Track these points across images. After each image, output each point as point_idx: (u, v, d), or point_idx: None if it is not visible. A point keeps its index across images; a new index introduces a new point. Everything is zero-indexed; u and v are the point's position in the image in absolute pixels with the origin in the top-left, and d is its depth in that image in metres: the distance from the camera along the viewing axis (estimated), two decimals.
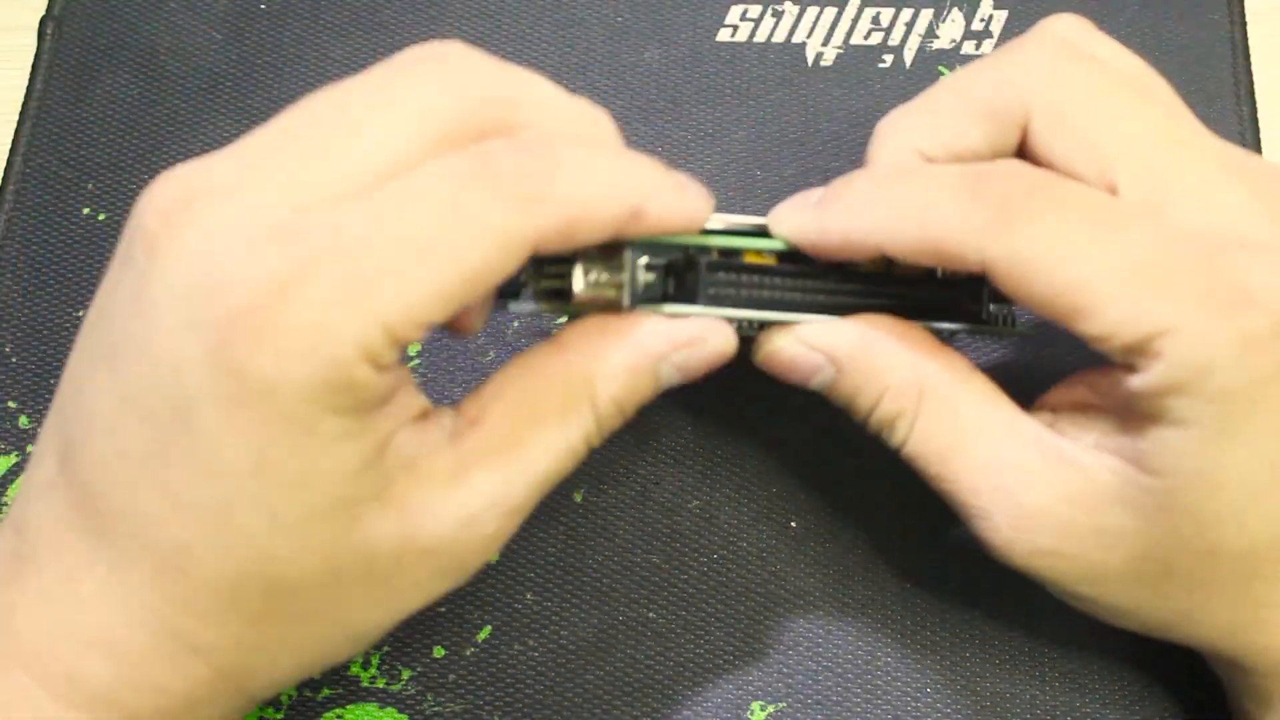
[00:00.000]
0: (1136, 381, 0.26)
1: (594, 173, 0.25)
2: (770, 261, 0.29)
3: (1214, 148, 0.29)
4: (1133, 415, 0.27)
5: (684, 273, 0.28)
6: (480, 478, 0.26)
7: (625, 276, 0.27)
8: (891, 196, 0.28)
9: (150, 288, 0.24)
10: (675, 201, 0.27)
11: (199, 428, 0.24)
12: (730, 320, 0.29)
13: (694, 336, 0.28)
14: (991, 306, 0.30)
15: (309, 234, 0.23)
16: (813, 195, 0.29)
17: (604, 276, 0.27)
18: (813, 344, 0.29)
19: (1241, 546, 0.27)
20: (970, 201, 0.27)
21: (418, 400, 0.27)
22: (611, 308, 0.28)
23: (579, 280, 0.27)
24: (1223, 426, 0.26)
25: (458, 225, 0.24)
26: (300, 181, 0.24)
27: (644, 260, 0.27)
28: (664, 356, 0.28)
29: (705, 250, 0.28)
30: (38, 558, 0.25)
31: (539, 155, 0.25)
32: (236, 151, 0.25)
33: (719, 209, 0.28)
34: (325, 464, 0.24)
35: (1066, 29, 0.30)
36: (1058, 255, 0.26)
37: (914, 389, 0.29)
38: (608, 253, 0.28)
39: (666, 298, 0.28)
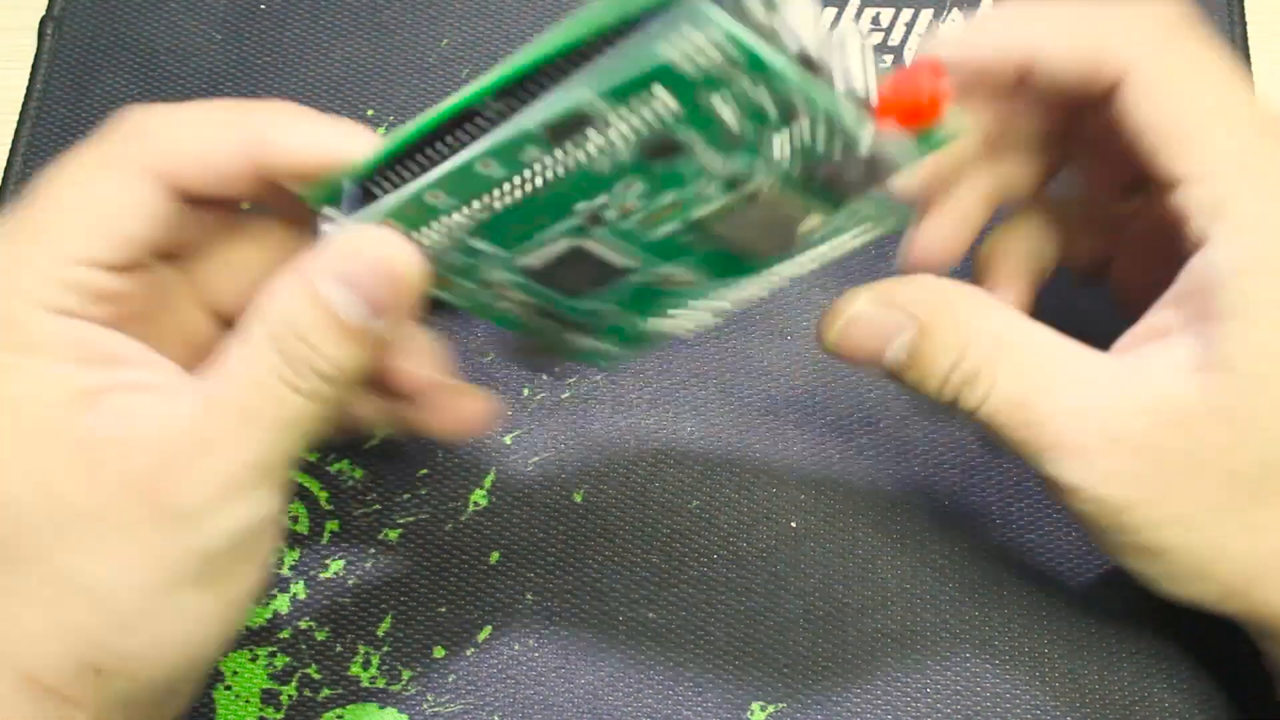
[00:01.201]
0: (1210, 255, 0.27)
1: (210, 111, 0.28)
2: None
3: None
4: (1207, 320, 0.27)
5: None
6: (184, 412, 0.26)
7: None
8: (1049, 6, 0.29)
9: None
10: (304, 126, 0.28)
11: None
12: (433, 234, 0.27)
13: (344, 246, 0.26)
14: None
15: None
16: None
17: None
18: (894, 299, 0.29)
19: None
20: (1134, 9, 0.28)
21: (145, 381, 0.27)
22: None
23: None
24: None
25: (65, 182, 0.27)
26: None
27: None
28: (318, 274, 0.26)
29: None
30: None
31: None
32: None
33: None
34: (31, 366, 0.26)
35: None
36: (1190, 88, 0.27)
37: (992, 339, 0.28)
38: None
39: None
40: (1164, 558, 0.28)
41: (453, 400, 0.32)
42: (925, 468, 0.36)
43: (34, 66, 0.42)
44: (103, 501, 0.26)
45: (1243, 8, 0.42)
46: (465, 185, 0.25)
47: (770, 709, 0.34)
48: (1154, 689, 0.34)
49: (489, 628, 0.35)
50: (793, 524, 0.36)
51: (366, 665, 0.34)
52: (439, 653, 0.35)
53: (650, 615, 0.35)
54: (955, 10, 0.42)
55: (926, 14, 0.42)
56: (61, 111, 0.41)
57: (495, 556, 0.36)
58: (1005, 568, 0.35)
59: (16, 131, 0.41)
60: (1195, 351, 0.27)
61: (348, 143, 0.27)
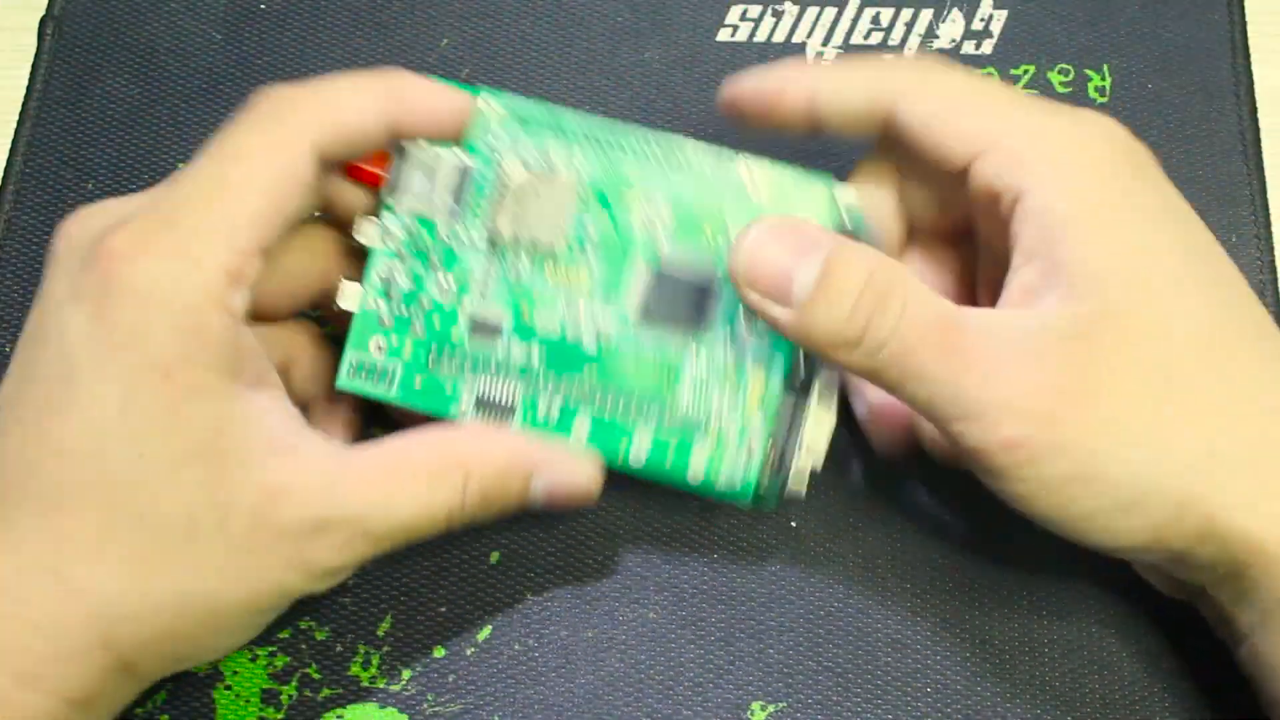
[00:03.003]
0: (1030, 202, 0.29)
1: (348, 79, 0.31)
2: None
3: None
4: (1057, 256, 0.28)
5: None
6: (348, 493, 0.29)
7: None
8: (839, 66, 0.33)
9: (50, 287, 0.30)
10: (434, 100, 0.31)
11: (78, 380, 0.27)
12: None
13: (563, 459, 0.31)
14: None
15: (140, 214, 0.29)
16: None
17: None
18: (796, 229, 0.29)
19: (1177, 350, 0.28)
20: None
21: (291, 413, 0.30)
22: None
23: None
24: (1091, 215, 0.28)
25: (230, 164, 0.29)
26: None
27: None
28: (534, 471, 0.31)
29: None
30: None
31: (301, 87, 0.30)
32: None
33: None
34: (186, 411, 0.27)
35: None
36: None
37: (895, 266, 0.28)
38: None
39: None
40: (1100, 484, 0.27)
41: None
42: (925, 467, 0.36)
43: (34, 66, 0.42)
44: (248, 531, 0.28)
45: (1243, 8, 0.42)
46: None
47: (770, 709, 0.34)
48: (1154, 689, 0.34)
49: (489, 628, 0.35)
50: (793, 524, 0.36)
51: (366, 665, 0.34)
52: (439, 653, 0.35)
53: (650, 615, 0.35)
54: (955, 10, 0.42)
55: (926, 14, 0.42)
56: (61, 111, 0.41)
57: (495, 556, 0.36)
58: (1005, 567, 0.35)
59: (16, 131, 0.41)
60: (1066, 283, 0.28)
61: (463, 100, 0.31)
